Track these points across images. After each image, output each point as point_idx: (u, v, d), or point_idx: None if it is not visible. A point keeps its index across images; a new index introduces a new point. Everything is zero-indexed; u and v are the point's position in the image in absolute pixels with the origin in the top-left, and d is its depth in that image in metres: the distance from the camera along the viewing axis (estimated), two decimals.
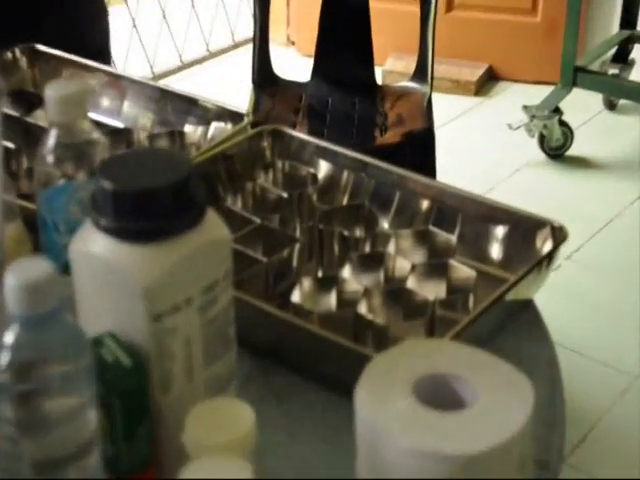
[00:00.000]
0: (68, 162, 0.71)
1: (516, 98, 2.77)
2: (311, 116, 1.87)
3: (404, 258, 0.84)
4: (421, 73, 1.87)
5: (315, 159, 0.97)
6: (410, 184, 0.92)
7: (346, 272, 0.83)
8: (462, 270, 0.82)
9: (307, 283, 0.82)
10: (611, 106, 2.79)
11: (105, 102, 1.15)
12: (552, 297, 2.11)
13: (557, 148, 2.56)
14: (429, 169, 1.68)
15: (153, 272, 0.59)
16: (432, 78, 1.85)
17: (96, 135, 0.71)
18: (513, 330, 0.80)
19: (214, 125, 1.06)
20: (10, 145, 0.98)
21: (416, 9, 1.81)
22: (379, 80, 1.97)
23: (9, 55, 1.18)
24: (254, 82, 1.92)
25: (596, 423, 1.74)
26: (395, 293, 0.80)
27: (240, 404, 0.60)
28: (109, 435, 0.59)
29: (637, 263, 2.12)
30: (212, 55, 3.15)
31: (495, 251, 0.86)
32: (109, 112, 1.13)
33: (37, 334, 0.52)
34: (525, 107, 2.54)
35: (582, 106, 2.71)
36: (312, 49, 1.93)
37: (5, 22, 1.29)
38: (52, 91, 0.70)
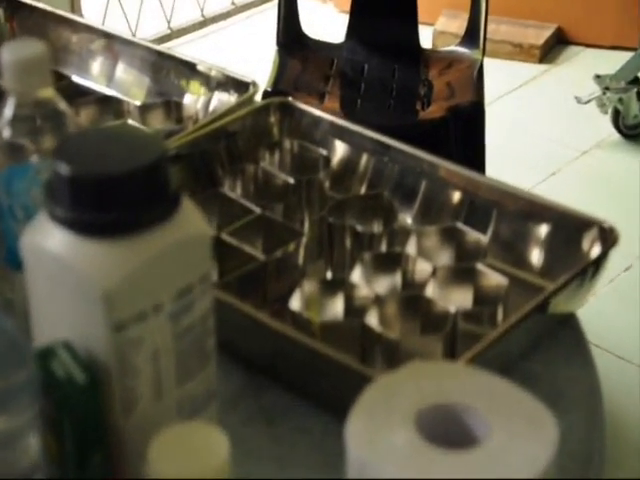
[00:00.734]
0: (29, 138, 0.70)
1: (587, 66, 2.74)
2: (343, 84, 1.86)
3: (425, 260, 0.83)
4: (472, 36, 1.85)
5: (329, 139, 0.96)
6: (439, 172, 0.91)
7: (357, 275, 0.83)
8: (492, 276, 0.81)
9: (310, 286, 0.81)
10: None
11: (95, 66, 1.14)
12: (617, 302, 2.07)
13: (634, 126, 2.53)
14: (476, 151, 1.66)
15: (115, 273, 0.58)
16: (485, 42, 1.83)
17: (62, 106, 0.70)
18: (549, 351, 0.79)
19: (217, 96, 1.05)
20: None
21: None
22: (428, 43, 1.95)
23: None
24: (279, 43, 1.91)
25: None
26: (412, 301, 0.80)
27: (214, 430, 0.59)
28: (59, 462, 0.58)
29: None
30: (238, 10, 3.14)
31: (533, 255, 0.84)
32: (98, 77, 1.12)
33: None
34: (598, 77, 2.51)
35: None
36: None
37: None
38: (8, 54, 0.69)
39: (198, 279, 0.62)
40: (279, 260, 0.84)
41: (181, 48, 2.90)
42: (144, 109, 1.05)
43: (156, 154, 0.60)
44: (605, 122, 2.53)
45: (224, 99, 1.04)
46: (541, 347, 0.79)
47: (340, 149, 0.95)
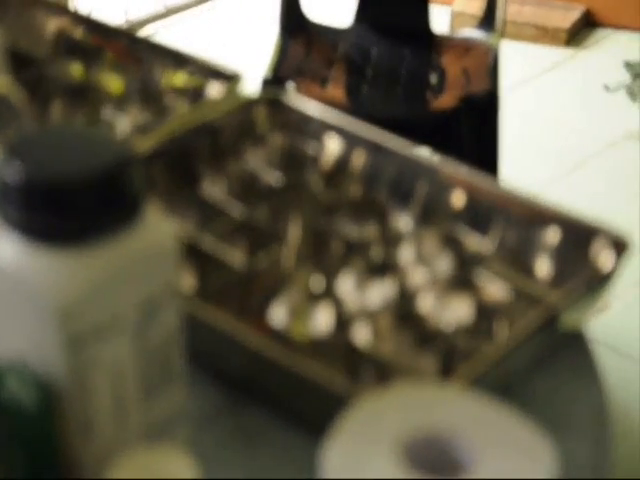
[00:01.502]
0: None
1: (617, 51, 2.74)
2: (349, 70, 1.85)
3: (420, 268, 0.83)
4: (489, 18, 1.85)
5: (321, 136, 0.95)
6: (439, 174, 0.90)
7: (346, 284, 0.82)
8: (494, 287, 0.81)
9: (294, 298, 0.80)
10: None
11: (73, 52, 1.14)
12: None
13: None
14: (489, 144, 1.65)
15: (71, 285, 0.57)
16: (502, 26, 1.82)
17: (17, 96, 0.70)
18: (553, 370, 0.78)
19: (199, 87, 1.05)
20: None
21: None
22: (446, 24, 1.95)
23: None
24: (281, 26, 1.92)
25: None
26: (405, 314, 0.79)
27: (181, 454, 0.59)
28: None
29: None
30: None
31: (538, 265, 0.83)
32: (74, 65, 1.12)
33: None
34: (628, 64, 2.50)
35: None
36: None
37: None
38: None
39: (163, 290, 0.61)
40: (262, 267, 0.84)
41: (176, 28, 2.90)
42: (121, 100, 1.04)
43: (119, 155, 0.59)
44: (635, 112, 2.53)
45: (208, 91, 1.03)
46: (544, 366, 0.78)
47: (332, 147, 0.95)
